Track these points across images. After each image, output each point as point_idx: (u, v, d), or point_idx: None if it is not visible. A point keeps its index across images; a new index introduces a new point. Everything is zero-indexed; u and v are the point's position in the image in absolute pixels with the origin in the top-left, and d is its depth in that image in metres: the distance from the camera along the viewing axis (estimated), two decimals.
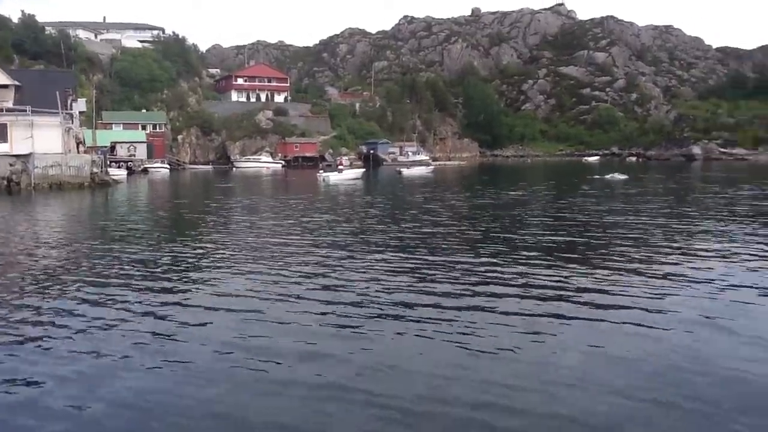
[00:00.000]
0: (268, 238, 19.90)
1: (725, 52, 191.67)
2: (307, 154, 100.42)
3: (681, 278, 13.20)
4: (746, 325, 9.73)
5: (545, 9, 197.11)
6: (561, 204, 31.54)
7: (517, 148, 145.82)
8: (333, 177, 55.17)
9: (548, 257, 15.92)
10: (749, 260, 15.16)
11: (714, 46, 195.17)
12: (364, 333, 9.61)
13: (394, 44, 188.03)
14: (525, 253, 16.53)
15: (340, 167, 64.42)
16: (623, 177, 52.11)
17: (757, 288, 12.23)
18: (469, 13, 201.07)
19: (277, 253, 16.86)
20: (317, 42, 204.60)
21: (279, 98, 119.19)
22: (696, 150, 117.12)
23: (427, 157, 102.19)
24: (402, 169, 70.64)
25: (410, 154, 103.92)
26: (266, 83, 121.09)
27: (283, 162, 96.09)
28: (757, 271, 13.95)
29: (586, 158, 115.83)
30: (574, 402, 7.01)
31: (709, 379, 7.60)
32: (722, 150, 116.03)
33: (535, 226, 22.65)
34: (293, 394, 7.31)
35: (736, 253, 16.11)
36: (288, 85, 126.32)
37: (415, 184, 51.71)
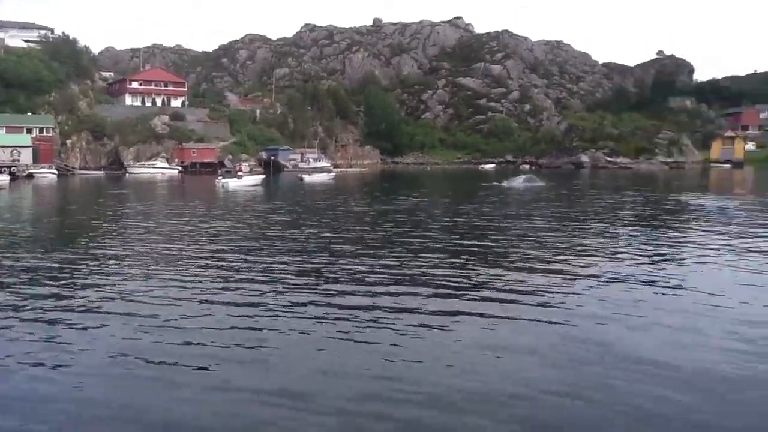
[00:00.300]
0: (164, 244, 19.28)
1: (610, 67, 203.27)
2: (206, 160, 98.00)
3: (576, 275, 13.86)
4: (638, 316, 10.33)
5: (444, 22, 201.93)
6: (461, 209, 32.36)
7: (417, 155, 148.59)
8: (232, 183, 54.12)
9: (450, 259, 16.29)
10: (634, 258, 16.14)
11: (600, 62, 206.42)
12: (266, 334, 9.50)
13: (295, 51, 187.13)
14: (427, 255, 16.84)
15: (239, 173, 63.19)
16: (540, 184, 53.61)
17: (642, 282, 13.03)
18: (371, 24, 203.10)
19: (174, 259, 16.37)
20: (217, 47, 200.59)
21: (176, 103, 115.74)
22: (584, 158, 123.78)
23: (329, 164, 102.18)
24: (303, 176, 70.27)
25: (311, 160, 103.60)
26: (162, 87, 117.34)
27: (180, 168, 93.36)
28: (640, 267, 14.86)
29: (482, 166, 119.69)
30: (487, 395, 7.21)
31: (612, 367, 8.00)
32: (608, 159, 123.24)
33: (436, 230, 23.14)
34: (190, 396, 7.13)
35: (623, 252, 17.10)
36: (185, 89, 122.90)
37: (316, 190, 51.57)
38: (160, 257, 16.65)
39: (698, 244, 18.73)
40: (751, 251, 17.23)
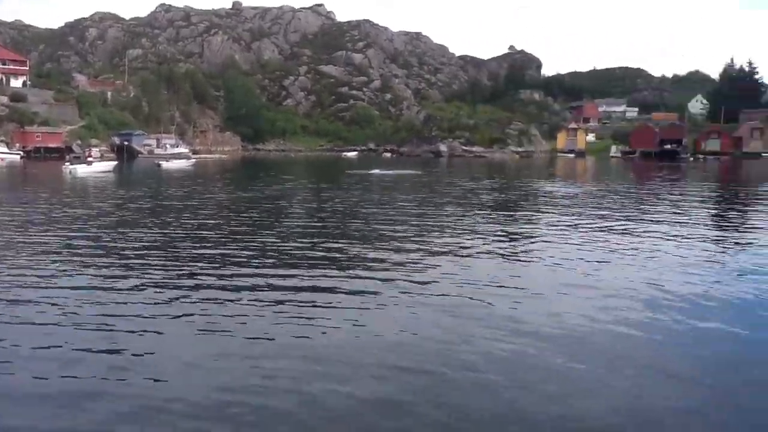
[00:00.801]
0: (4, 232, 17.84)
1: (466, 60, 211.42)
2: (52, 145, 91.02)
3: (439, 253, 14.37)
4: (507, 289, 10.92)
5: (305, 8, 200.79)
6: (326, 195, 32.52)
7: (278, 142, 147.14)
8: (81, 169, 50.81)
9: (318, 242, 16.33)
10: (490, 237, 16.99)
11: (457, 54, 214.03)
12: (118, 319, 9.10)
13: (150, 32, 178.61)
14: (294, 239, 16.82)
15: (89, 159, 59.38)
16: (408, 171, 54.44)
17: (502, 258, 13.80)
18: (230, 6, 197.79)
19: (15, 248, 15.19)
20: (62, 24, 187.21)
21: (16, 83, 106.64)
22: (443, 147, 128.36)
23: (187, 150, 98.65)
24: (162, 162, 67.42)
25: (168, 146, 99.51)
26: (0, 65, 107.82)
27: (22, 153, 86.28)
28: (497, 243, 15.70)
29: (345, 153, 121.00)
30: (361, 369, 7.35)
31: (483, 336, 8.42)
32: (464, 148, 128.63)
33: (302, 215, 23.13)
34: (36, 388, 6.75)
35: (481, 232, 17.95)
36: (27, 68, 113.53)
37: (175, 177, 49.67)
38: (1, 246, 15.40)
39: (549, 225, 20.06)
40: (595, 230, 18.72)
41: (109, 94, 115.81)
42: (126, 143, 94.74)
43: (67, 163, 53.96)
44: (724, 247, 16.17)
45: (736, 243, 17.01)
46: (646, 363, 7.59)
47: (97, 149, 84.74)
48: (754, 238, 17.70)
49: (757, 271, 12.96)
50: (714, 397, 6.76)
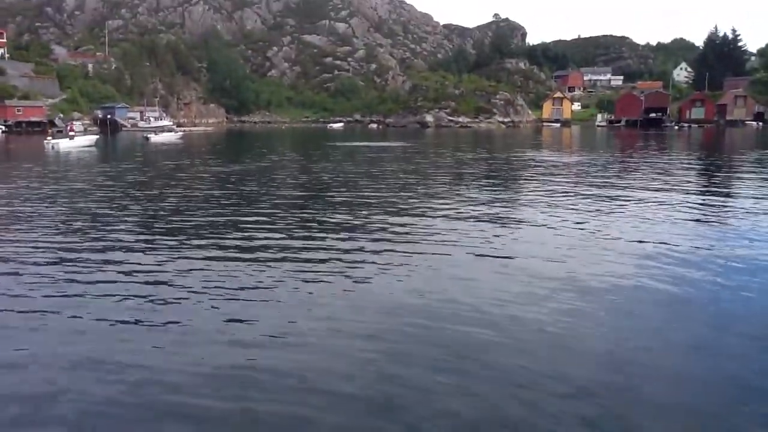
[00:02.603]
0: None
1: (450, 28, 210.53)
2: (33, 119, 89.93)
3: (454, 219, 14.43)
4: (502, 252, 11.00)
5: None
6: (316, 167, 32.43)
7: (264, 114, 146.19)
8: (63, 144, 50.14)
9: (318, 214, 16.36)
10: (488, 206, 17.09)
11: (441, 23, 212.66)
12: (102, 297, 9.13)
13: (129, 2, 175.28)
14: (297, 210, 16.81)
15: (71, 133, 58.67)
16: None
17: (501, 223, 13.90)
18: None
19: (7, 222, 15.09)
20: None
21: None
22: (428, 118, 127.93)
23: (171, 123, 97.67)
24: (150, 136, 66.77)
25: (152, 119, 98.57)
26: None
27: (2, 128, 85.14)
28: (495, 209, 15.79)
29: (331, 125, 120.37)
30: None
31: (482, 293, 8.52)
32: (450, 118, 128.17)
33: (299, 187, 23.08)
34: None
35: (477, 203, 18.06)
36: (4, 41, 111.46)
37: (163, 150, 49.24)
38: None
39: (543, 194, 20.18)
40: (594, 198, 18.89)
41: (90, 66, 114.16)
42: (109, 116, 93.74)
43: (49, 138, 53.29)
44: (713, 214, 16.36)
45: (725, 210, 17.21)
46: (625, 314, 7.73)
47: (80, 123, 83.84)
48: (742, 207, 17.93)
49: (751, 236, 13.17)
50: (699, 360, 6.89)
